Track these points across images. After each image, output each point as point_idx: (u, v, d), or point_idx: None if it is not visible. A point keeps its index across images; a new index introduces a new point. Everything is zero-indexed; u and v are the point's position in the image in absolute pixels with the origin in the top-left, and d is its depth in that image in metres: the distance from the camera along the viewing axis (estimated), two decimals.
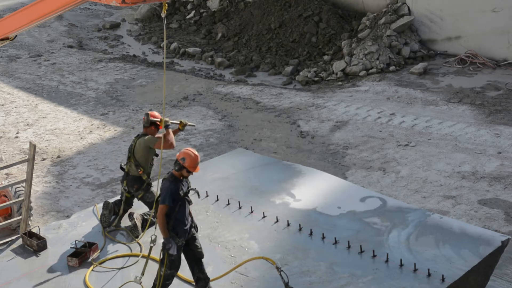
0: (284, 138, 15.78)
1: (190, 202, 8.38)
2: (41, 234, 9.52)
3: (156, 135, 9.82)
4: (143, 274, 8.38)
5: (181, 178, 8.27)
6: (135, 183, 9.84)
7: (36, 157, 10.63)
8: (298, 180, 10.97)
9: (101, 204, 10.68)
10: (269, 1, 23.30)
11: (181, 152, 8.27)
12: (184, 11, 25.84)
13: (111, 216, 9.85)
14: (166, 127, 9.48)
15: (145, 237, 9.55)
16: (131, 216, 9.66)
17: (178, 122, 10.10)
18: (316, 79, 19.72)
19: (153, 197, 9.74)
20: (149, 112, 9.93)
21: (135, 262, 8.99)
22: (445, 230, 9.39)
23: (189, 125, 10.21)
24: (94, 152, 15.40)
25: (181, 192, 8.18)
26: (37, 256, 9.26)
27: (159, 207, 8.11)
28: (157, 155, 9.97)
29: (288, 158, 14.27)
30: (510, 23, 19.62)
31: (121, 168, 10.04)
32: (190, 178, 10.90)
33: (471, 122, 16.14)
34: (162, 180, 8.24)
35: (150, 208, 9.80)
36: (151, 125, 9.85)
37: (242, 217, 9.99)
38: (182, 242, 8.19)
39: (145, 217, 9.70)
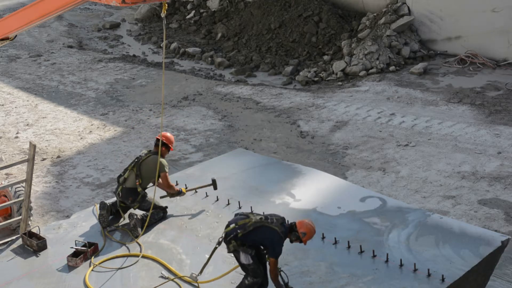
0: (284, 138, 15.78)
1: None
2: (41, 234, 9.51)
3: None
4: (201, 272, 8.47)
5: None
6: (130, 195, 9.89)
7: (36, 157, 10.63)
8: (298, 180, 10.97)
9: None
10: (269, 1, 23.29)
11: (303, 224, 8.12)
12: (184, 11, 25.83)
13: (109, 216, 9.88)
14: (180, 193, 10.21)
15: (144, 237, 9.56)
16: (131, 216, 9.68)
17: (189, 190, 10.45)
18: (316, 79, 19.72)
19: (149, 204, 9.80)
20: (163, 133, 10.10)
21: (135, 262, 8.99)
22: (445, 230, 9.39)
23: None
24: (94, 152, 15.41)
25: None
26: (37, 256, 9.25)
27: (272, 261, 8.03)
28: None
29: (288, 158, 14.27)
30: (510, 23, 19.62)
31: (117, 179, 10.06)
32: (191, 176, 10.89)
33: (471, 122, 16.14)
34: (276, 231, 8.07)
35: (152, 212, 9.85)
36: (163, 146, 9.94)
37: None
38: (254, 251, 8.13)
39: (144, 217, 9.71)
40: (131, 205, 9.94)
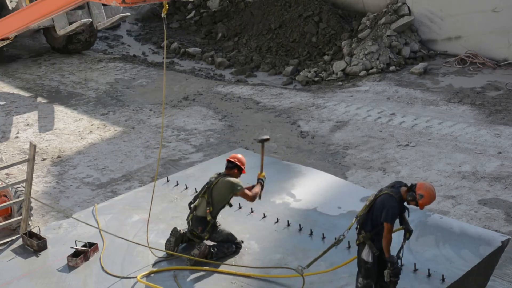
0: (284, 138, 15.78)
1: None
2: (41, 234, 9.51)
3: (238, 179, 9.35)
4: (308, 266, 8.29)
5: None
6: (200, 224, 9.16)
7: (36, 157, 10.62)
8: (298, 180, 10.97)
9: (101, 204, 10.70)
10: (269, 1, 23.31)
11: (423, 185, 7.94)
12: (184, 11, 25.85)
13: (178, 244, 9.23)
14: (261, 180, 9.49)
15: (144, 238, 9.51)
16: (199, 244, 9.08)
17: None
18: (316, 79, 19.72)
19: (221, 236, 9.17)
20: (233, 155, 9.50)
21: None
22: (445, 230, 9.38)
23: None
24: (94, 152, 15.40)
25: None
26: (37, 256, 9.25)
27: (386, 225, 7.90)
28: (230, 205, 9.41)
29: (288, 158, 14.27)
30: (510, 23, 19.63)
31: (189, 206, 9.43)
32: (192, 177, 10.86)
33: (471, 122, 16.14)
34: (386, 194, 7.98)
35: (220, 243, 9.26)
36: (234, 168, 9.38)
37: (242, 217, 9.98)
38: (378, 252, 8.06)
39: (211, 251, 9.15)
40: (201, 235, 9.20)
